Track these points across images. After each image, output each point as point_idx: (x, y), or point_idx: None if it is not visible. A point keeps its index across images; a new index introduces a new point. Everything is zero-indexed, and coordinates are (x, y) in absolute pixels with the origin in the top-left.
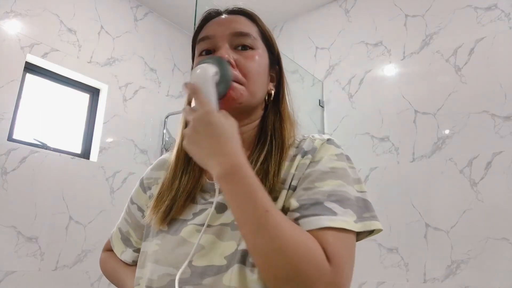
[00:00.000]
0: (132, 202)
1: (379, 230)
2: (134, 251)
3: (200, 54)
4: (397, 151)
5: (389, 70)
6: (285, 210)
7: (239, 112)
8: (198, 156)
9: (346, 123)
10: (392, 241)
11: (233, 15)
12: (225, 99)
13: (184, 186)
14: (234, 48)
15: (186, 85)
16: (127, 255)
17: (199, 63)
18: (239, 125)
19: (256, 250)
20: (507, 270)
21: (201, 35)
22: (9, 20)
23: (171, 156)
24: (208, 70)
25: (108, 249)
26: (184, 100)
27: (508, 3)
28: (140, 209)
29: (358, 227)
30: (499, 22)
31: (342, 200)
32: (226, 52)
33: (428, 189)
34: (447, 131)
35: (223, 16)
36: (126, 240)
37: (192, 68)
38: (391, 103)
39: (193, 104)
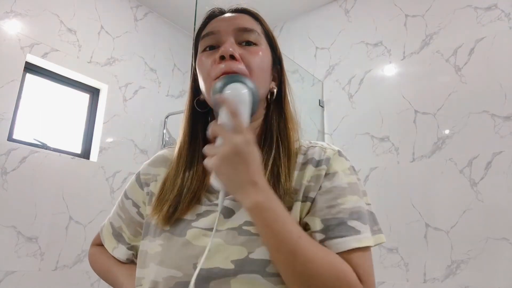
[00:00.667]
0: (126, 197)
1: (381, 242)
2: (128, 248)
3: (204, 50)
4: (397, 151)
5: (389, 70)
6: (302, 224)
7: None
8: (231, 180)
9: (346, 123)
10: (392, 241)
11: (237, 13)
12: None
13: (188, 186)
14: (239, 43)
15: (223, 100)
16: (120, 252)
17: (226, 82)
18: None
19: (294, 276)
20: (507, 270)
21: (205, 31)
22: (9, 20)
23: (171, 153)
24: (243, 92)
25: (98, 243)
26: (184, 100)
27: (508, 3)
28: (135, 205)
29: (373, 241)
30: (499, 22)
31: (361, 216)
32: (231, 46)
33: (428, 189)
34: (447, 131)
35: (227, 14)
36: (118, 236)
37: (192, 66)
38: (391, 103)
39: (221, 118)
